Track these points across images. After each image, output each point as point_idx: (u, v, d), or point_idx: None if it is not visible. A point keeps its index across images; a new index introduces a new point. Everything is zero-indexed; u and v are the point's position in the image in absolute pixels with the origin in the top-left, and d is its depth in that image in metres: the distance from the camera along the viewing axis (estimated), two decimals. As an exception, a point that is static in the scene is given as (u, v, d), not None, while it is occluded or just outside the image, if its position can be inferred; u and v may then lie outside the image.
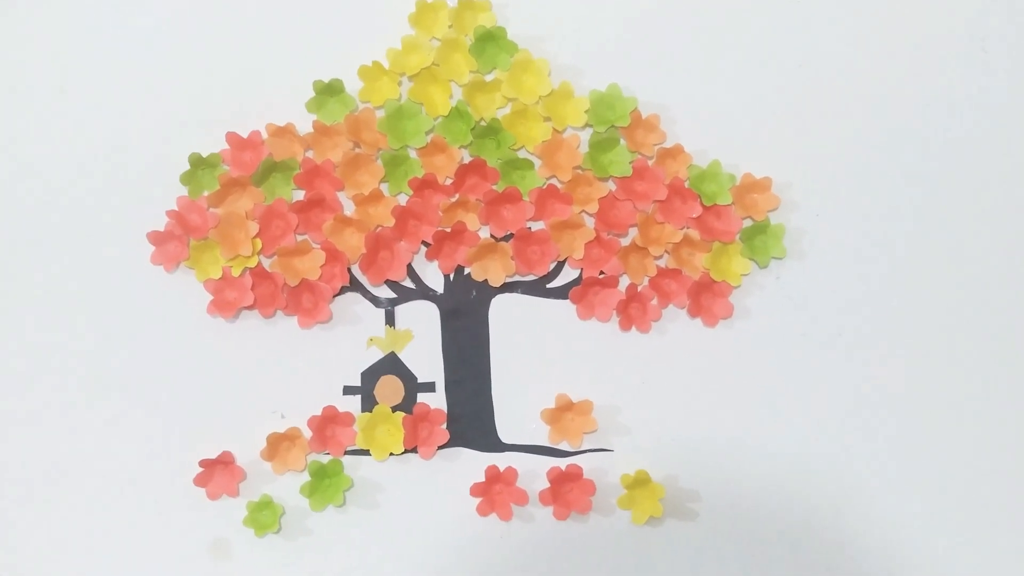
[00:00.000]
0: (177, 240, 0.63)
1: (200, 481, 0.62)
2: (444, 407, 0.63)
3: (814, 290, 0.64)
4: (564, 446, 0.63)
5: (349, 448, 0.63)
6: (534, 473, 0.63)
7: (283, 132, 0.63)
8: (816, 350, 0.64)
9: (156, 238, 0.63)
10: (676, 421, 0.63)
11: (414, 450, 0.63)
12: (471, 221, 0.63)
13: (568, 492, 0.62)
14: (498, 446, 0.63)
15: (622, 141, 0.64)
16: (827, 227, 0.64)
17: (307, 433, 0.63)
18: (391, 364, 0.64)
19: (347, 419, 0.63)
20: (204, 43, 0.65)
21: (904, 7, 0.65)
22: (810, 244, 0.64)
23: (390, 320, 0.64)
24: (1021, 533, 0.63)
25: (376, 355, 0.64)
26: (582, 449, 0.63)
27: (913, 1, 0.65)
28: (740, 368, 0.63)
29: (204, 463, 0.62)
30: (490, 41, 0.63)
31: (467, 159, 0.64)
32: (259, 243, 0.63)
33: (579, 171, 0.63)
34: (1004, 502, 0.63)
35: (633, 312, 0.63)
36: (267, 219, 0.63)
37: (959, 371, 0.64)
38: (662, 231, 0.63)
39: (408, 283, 0.64)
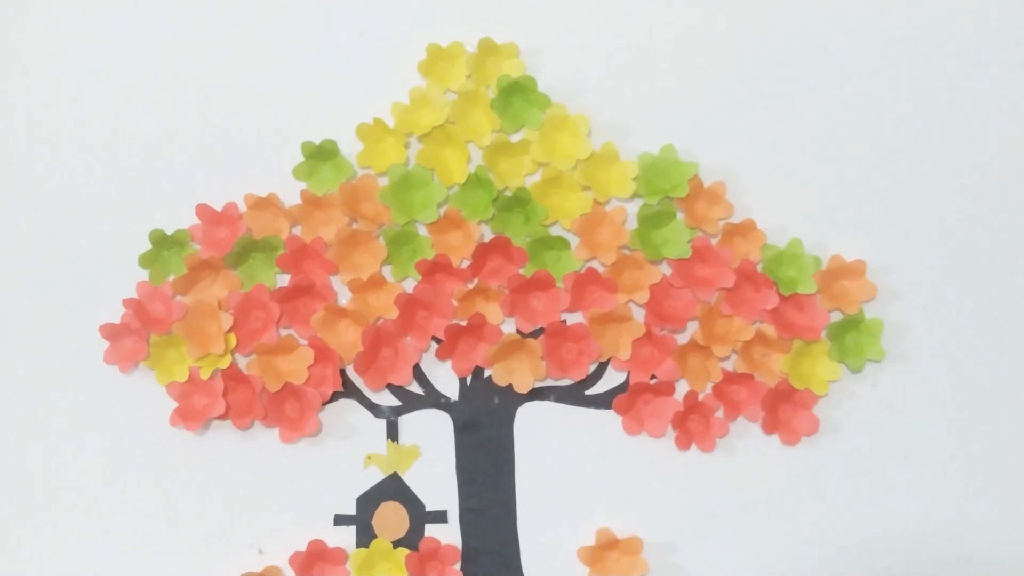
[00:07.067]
0: (135, 335, 0.61)
1: (158, 633, 0.58)
2: (458, 542, 0.60)
3: (920, 400, 0.60)
4: (607, 593, 0.59)
5: (341, 594, 0.59)
6: (571, 626, 0.59)
7: (265, 204, 0.61)
8: (923, 474, 0.60)
9: (110, 332, 0.60)
10: (747, 561, 0.59)
11: (421, 597, 0.59)
12: (492, 313, 0.60)
13: (613, 651, 0.57)
14: (526, 592, 0.60)
15: (679, 215, 0.61)
16: (935, 322, 0.61)
17: (289, 573, 0.59)
18: (393, 488, 0.60)
19: (338, 556, 0.59)
20: (170, 95, 0.62)
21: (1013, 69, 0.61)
22: (915, 343, 0.60)
23: (392, 434, 0.61)
24: None
25: (375, 476, 0.61)
26: (630, 597, 0.59)
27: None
28: (828, 496, 0.60)
29: (164, 610, 0.58)
30: (517, 94, 0.61)
31: (488, 237, 0.61)
32: (234, 339, 0.60)
33: (626, 252, 0.61)
34: None
35: (693, 426, 0.60)
36: (244, 309, 0.60)
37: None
38: (729, 326, 0.60)
39: (415, 388, 0.61)
